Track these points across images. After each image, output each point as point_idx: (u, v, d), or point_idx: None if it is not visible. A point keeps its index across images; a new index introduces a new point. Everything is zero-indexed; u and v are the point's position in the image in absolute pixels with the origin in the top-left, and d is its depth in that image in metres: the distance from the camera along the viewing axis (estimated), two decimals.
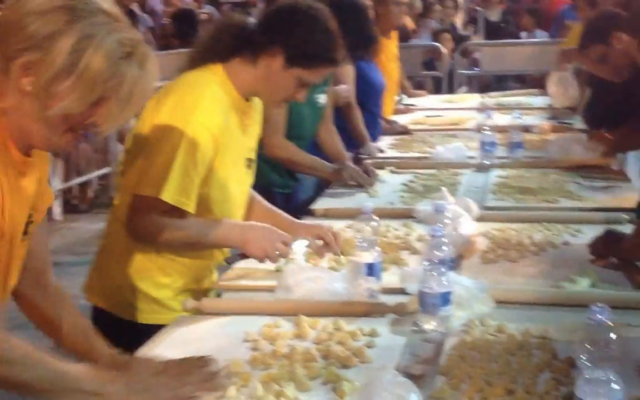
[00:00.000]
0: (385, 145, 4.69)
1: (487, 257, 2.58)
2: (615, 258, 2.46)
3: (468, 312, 2.09)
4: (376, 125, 4.83)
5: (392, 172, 3.92)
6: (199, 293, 2.38)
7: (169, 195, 2.19)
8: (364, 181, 3.62)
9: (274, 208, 2.73)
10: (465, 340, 1.94)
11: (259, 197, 2.72)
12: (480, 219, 2.97)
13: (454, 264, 2.36)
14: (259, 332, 2.03)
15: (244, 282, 2.45)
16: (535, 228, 2.86)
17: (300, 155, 3.57)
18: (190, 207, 2.24)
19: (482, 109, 5.54)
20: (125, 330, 2.25)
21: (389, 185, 3.68)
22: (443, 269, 2.04)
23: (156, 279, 2.35)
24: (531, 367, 1.77)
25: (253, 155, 2.54)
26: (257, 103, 2.51)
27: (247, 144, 2.48)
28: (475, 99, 6.74)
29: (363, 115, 4.51)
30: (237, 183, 2.45)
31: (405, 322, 2.08)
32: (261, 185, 3.53)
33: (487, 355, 1.84)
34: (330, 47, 2.39)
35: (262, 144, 3.46)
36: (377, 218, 2.36)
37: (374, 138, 4.70)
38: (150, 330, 2.13)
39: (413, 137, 4.92)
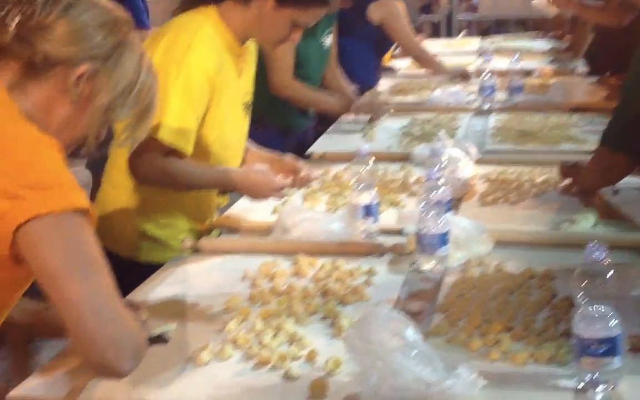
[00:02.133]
0: (383, 89, 4.67)
1: (486, 200, 2.57)
2: (578, 186, 2.56)
3: (466, 253, 2.09)
4: (374, 71, 4.82)
5: (390, 116, 3.89)
6: (199, 233, 2.38)
7: (165, 135, 2.17)
8: (372, 112, 3.69)
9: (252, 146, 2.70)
10: (463, 279, 1.95)
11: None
12: (479, 162, 2.96)
13: (452, 206, 2.35)
14: (258, 270, 2.03)
15: (242, 222, 2.44)
16: (536, 171, 2.85)
17: (308, 92, 3.62)
18: (188, 149, 2.23)
19: (482, 53, 5.49)
20: (127, 269, 2.24)
21: (387, 130, 3.65)
22: (440, 210, 2.03)
23: (157, 218, 2.35)
24: (530, 305, 1.77)
25: (249, 99, 2.52)
26: (251, 46, 2.48)
27: (243, 87, 2.46)
28: (474, 43, 6.69)
29: (360, 61, 4.52)
30: (235, 126, 2.43)
31: (403, 262, 2.09)
32: (278, 127, 3.58)
33: (486, 293, 1.85)
34: None
35: (270, 85, 3.48)
36: (373, 158, 2.35)
37: (373, 84, 4.69)
38: (152, 269, 2.13)
39: (411, 81, 4.89)
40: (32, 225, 1.27)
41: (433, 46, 6.45)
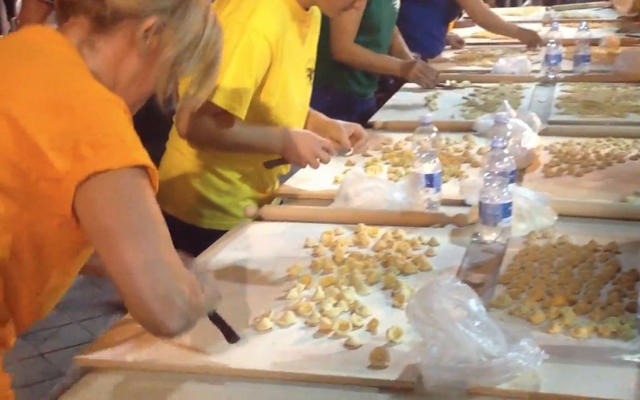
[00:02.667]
0: (446, 58, 4.63)
1: (550, 171, 2.54)
2: None
3: (529, 224, 2.07)
4: (439, 39, 4.77)
5: (453, 86, 3.86)
6: (260, 200, 2.40)
7: (220, 99, 2.19)
8: (432, 75, 3.71)
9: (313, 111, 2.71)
10: (526, 250, 1.93)
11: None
12: (543, 133, 2.91)
13: (516, 177, 2.33)
14: (319, 239, 2.05)
15: (304, 191, 2.45)
16: (601, 143, 2.80)
17: (369, 55, 3.58)
18: (241, 113, 2.24)
19: (548, 21, 5.39)
20: (188, 235, 2.27)
21: (449, 99, 3.62)
22: (504, 181, 2.01)
23: (219, 186, 2.37)
24: (594, 279, 1.75)
25: (313, 65, 2.52)
26: (316, 11, 2.48)
27: (307, 53, 2.46)
28: (540, 11, 6.57)
29: (425, 28, 4.50)
30: (298, 92, 2.44)
31: (465, 233, 2.07)
32: (341, 93, 3.58)
33: (549, 266, 1.83)
34: None
35: (332, 50, 3.48)
36: (436, 129, 2.33)
37: (437, 52, 4.66)
38: (213, 236, 2.16)
39: (474, 50, 4.83)
40: (90, 183, 1.26)
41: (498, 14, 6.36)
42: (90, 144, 1.26)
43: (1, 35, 5.87)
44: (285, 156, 2.38)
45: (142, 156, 1.31)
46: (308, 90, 2.53)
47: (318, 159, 2.35)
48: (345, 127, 2.54)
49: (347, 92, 3.62)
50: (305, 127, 2.54)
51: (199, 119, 2.22)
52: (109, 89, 1.40)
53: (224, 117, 2.23)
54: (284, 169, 2.56)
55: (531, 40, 4.71)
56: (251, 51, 2.21)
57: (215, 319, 1.54)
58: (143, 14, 1.42)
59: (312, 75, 2.52)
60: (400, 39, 4.05)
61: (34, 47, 1.40)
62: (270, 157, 2.39)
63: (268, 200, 2.43)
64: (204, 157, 2.36)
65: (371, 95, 3.80)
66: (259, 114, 2.30)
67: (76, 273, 1.48)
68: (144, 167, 1.31)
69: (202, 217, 2.37)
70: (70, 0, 1.43)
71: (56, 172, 1.25)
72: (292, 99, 2.40)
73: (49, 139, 1.25)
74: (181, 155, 2.39)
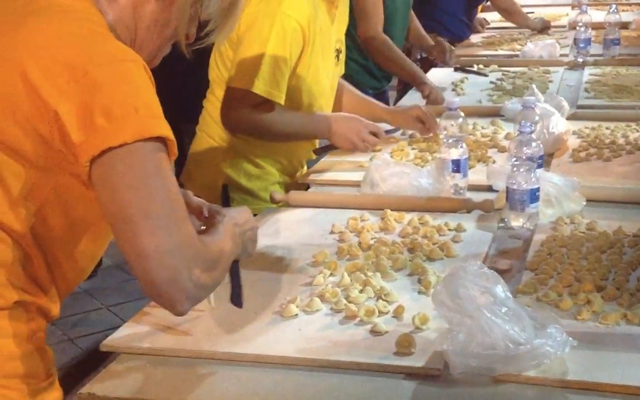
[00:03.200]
0: (474, 42, 4.59)
1: (579, 156, 2.51)
2: None
3: (557, 210, 2.05)
4: (465, 23, 4.74)
5: (480, 70, 3.83)
6: (287, 186, 2.40)
7: (260, 87, 2.22)
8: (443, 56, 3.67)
9: (365, 96, 2.74)
10: (554, 236, 1.91)
11: (348, 86, 2.72)
12: (572, 117, 2.89)
13: (543, 161, 2.31)
14: (345, 225, 2.04)
15: (330, 176, 2.45)
16: (631, 127, 2.77)
17: (394, 49, 3.50)
18: (281, 98, 2.26)
19: (576, 4, 5.33)
20: None
21: (477, 84, 3.60)
22: (531, 166, 2.00)
23: (248, 169, 2.40)
24: (623, 265, 1.73)
25: (342, 46, 2.53)
26: None
27: (335, 34, 2.48)
28: None
29: (451, 11, 4.47)
30: (327, 73, 2.46)
31: (492, 219, 2.06)
32: (355, 86, 3.57)
33: (577, 252, 1.81)
34: None
35: (359, 36, 3.44)
36: (463, 114, 2.32)
37: (464, 36, 4.63)
38: None
39: (503, 34, 4.79)
40: (104, 159, 1.23)
41: None
42: (105, 113, 1.23)
43: None
44: (333, 142, 2.42)
45: (159, 126, 1.27)
46: (337, 71, 2.55)
47: (365, 143, 2.40)
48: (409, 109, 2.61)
49: (360, 85, 3.58)
50: (340, 102, 2.56)
51: (242, 110, 2.25)
52: (129, 40, 1.40)
53: (264, 105, 2.25)
54: (313, 155, 2.57)
55: (543, 27, 4.70)
56: (284, 36, 2.23)
57: (234, 271, 1.54)
58: None
59: (341, 56, 2.53)
60: (417, 24, 3.96)
61: (56, 3, 1.36)
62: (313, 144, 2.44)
63: (296, 186, 2.43)
64: (234, 142, 2.38)
65: (385, 88, 3.76)
66: (290, 97, 2.32)
67: (103, 250, 1.47)
68: (160, 138, 1.27)
69: (232, 202, 2.38)
70: None
71: (73, 143, 1.24)
72: (322, 82, 2.42)
73: (66, 107, 1.23)
74: (211, 139, 2.41)
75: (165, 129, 1.27)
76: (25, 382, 1.32)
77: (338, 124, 2.38)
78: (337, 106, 2.60)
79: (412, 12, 3.91)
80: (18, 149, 1.27)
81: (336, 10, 2.44)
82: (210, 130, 2.40)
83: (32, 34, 1.30)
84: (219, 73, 2.38)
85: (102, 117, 1.23)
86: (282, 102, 2.27)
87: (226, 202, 2.16)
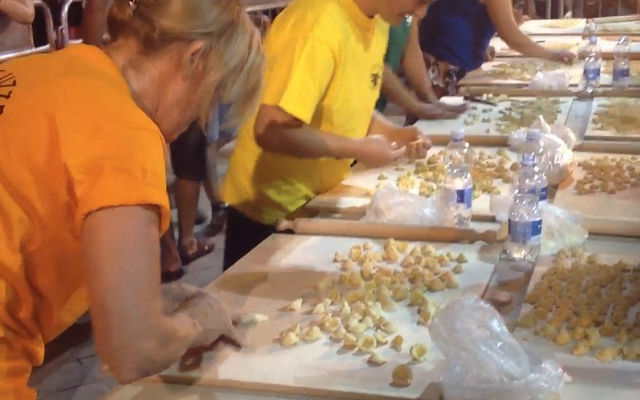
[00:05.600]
0: (484, 72, 4.61)
1: (583, 188, 2.52)
2: None
3: (559, 242, 2.06)
4: (475, 52, 4.75)
5: (489, 100, 3.84)
6: (296, 211, 2.49)
7: (287, 104, 2.30)
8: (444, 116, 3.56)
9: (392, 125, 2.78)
10: (555, 269, 1.92)
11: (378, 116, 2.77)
12: (579, 148, 2.90)
13: (548, 193, 2.32)
14: (349, 253, 2.06)
15: (336, 204, 2.47)
16: (637, 159, 2.77)
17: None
18: (307, 117, 2.35)
19: (587, 34, 5.35)
20: (253, 230, 2.42)
21: (485, 113, 3.61)
22: (534, 198, 2.01)
23: (278, 184, 2.51)
24: (621, 300, 1.74)
25: (378, 71, 2.59)
26: (381, 20, 2.55)
27: (371, 59, 2.56)
28: (579, 24, 6.51)
29: (460, 39, 4.46)
30: (361, 97, 2.54)
31: (494, 250, 2.07)
32: None
33: (577, 285, 1.82)
34: None
35: None
36: (467, 144, 2.33)
37: (472, 66, 4.64)
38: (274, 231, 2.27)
39: (513, 63, 4.80)
40: (99, 213, 1.26)
41: (537, 26, 6.33)
42: (112, 172, 1.28)
43: (48, 45, 5.97)
44: (361, 162, 2.58)
45: (159, 196, 1.31)
46: (372, 95, 2.63)
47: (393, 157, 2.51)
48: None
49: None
50: (369, 131, 2.66)
51: (272, 127, 2.32)
52: (150, 113, 1.44)
53: (293, 123, 2.33)
54: (346, 174, 2.69)
55: (564, 58, 4.67)
56: (315, 59, 2.33)
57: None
58: (191, 37, 1.46)
59: (378, 80, 2.61)
60: (420, 62, 3.92)
61: (86, 64, 1.43)
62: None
63: (306, 214, 2.47)
64: (267, 158, 2.48)
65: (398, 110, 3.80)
66: (321, 117, 2.42)
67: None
68: (157, 207, 1.31)
69: (263, 214, 2.51)
70: (121, 20, 1.48)
71: (75, 195, 1.28)
72: (354, 104, 2.50)
73: (76, 161, 1.28)
74: (245, 153, 2.53)
75: (164, 200, 1.32)
76: None
77: (365, 145, 2.49)
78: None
79: (419, 50, 3.90)
80: (28, 198, 1.31)
81: (372, 37, 2.52)
82: (246, 145, 2.51)
83: (66, 89, 1.37)
84: None
85: (108, 175, 1.27)
86: (308, 120, 2.35)
87: (228, 223, 2.24)
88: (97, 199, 1.27)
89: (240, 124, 1.62)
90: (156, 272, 1.32)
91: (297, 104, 2.32)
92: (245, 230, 2.49)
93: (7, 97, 1.37)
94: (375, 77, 2.59)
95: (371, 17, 2.48)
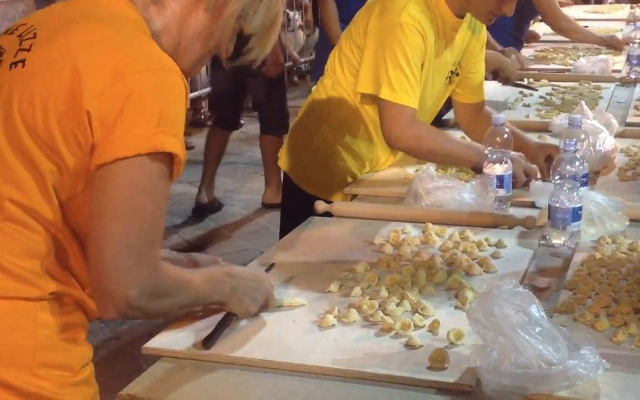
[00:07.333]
0: (526, 56, 4.56)
1: (625, 174, 2.50)
2: None
3: (599, 229, 2.04)
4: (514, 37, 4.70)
5: (530, 84, 3.81)
6: (340, 195, 2.51)
7: (389, 94, 2.34)
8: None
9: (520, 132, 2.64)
10: (594, 256, 1.91)
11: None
12: (620, 135, 2.87)
13: (589, 179, 2.30)
14: (387, 237, 2.06)
15: (375, 189, 2.48)
16: None
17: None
18: (414, 103, 2.37)
19: (631, 20, 5.27)
20: (302, 199, 2.49)
21: (526, 98, 3.58)
22: (575, 184, 1.99)
23: (328, 162, 2.55)
24: None
25: (459, 70, 2.60)
26: (471, 20, 2.55)
27: (451, 58, 2.54)
28: (624, 10, 6.41)
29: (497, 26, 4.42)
30: (432, 93, 2.54)
31: (534, 236, 2.06)
32: None
33: (617, 272, 1.81)
34: None
35: None
36: (508, 130, 2.32)
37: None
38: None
39: (557, 48, 4.75)
40: (112, 164, 1.30)
41: (581, 12, 6.25)
42: (128, 124, 1.30)
43: None
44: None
45: (172, 143, 1.33)
46: (445, 91, 2.63)
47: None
48: (540, 148, 2.52)
49: None
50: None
51: (397, 123, 2.36)
52: (172, 48, 1.45)
53: (400, 111, 2.35)
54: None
55: (612, 44, 4.60)
56: (407, 41, 2.33)
57: (224, 320, 1.58)
58: None
59: (454, 78, 2.61)
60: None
61: (105, 8, 1.44)
62: None
63: (345, 197, 2.47)
64: (326, 131, 2.54)
65: None
66: None
67: None
68: (170, 155, 1.34)
69: (311, 185, 2.57)
70: None
71: (93, 142, 1.32)
72: (425, 100, 2.51)
73: (97, 110, 1.31)
74: (304, 122, 2.61)
75: (178, 148, 1.34)
76: (60, 374, 1.37)
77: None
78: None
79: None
80: (56, 149, 1.34)
81: (457, 35, 2.50)
82: (309, 113, 2.59)
83: (86, 34, 1.38)
84: (332, 65, 2.54)
85: (124, 127, 1.30)
86: (416, 106, 2.37)
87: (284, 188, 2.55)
88: (111, 152, 1.30)
89: (260, 55, 1.59)
90: (160, 225, 1.36)
91: (400, 91, 2.33)
92: (304, 205, 2.41)
93: (29, 50, 1.39)
94: (451, 74, 2.59)
95: (461, 17, 2.46)
